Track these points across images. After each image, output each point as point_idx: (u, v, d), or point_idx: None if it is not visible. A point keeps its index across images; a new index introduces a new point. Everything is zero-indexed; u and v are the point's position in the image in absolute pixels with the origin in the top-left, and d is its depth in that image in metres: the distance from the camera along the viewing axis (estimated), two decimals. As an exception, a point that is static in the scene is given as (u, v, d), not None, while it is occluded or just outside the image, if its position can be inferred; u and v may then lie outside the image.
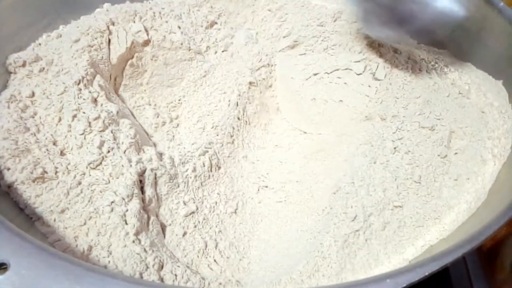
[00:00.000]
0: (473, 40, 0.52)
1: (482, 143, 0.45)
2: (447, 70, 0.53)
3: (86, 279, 0.25)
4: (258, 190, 0.45)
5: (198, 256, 0.40)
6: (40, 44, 0.51)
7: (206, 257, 0.40)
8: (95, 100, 0.44)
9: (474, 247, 0.30)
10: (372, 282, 0.27)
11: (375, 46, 0.58)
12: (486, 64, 0.50)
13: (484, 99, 0.47)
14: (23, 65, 0.47)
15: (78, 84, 0.44)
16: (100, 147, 0.40)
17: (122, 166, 0.40)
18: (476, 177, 0.42)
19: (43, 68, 0.48)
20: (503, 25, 0.48)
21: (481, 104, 0.47)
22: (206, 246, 0.41)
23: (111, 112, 0.44)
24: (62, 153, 0.41)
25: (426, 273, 0.28)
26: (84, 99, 0.43)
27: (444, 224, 0.40)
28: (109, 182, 0.39)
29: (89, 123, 0.41)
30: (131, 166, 0.40)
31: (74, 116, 0.42)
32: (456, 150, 0.46)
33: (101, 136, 0.41)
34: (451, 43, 0.55)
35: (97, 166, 0.39)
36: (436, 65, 0.54)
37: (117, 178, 0.39)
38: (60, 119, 0.42)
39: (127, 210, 0.37)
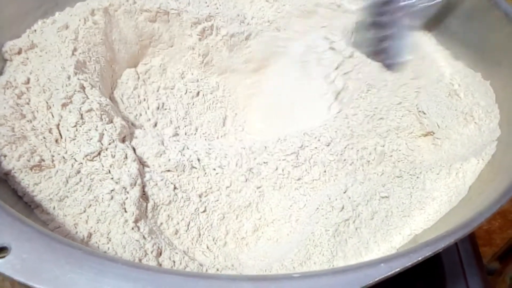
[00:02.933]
0: (470, 31, 0.53)
1: (466, 141, 0.46)
2: (440, 68, 0.54)
3: (86, 263, 0.25)
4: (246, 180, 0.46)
5: (192, 244, 0.41)
6: (35, 30, 0.50)
7: (200, 244, 0.41)
8: (83, 88, 0.44)
9: (466, 233, 0.31)
10: (366, 266, 0.28)
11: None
12: (482, 55, 0.51)
13: (471, 99, 0.48)
14: (19, 52, 0.47)
15: (65, 70, 0.44)
16: (100, 140, 0.40)
17: (126, 157, 0.40)
18: (457, 173, 0.43)
19: (38, 55, 0.48)
20: (500, 17, 0.49)
21: (468, 103, 0.48)
22: (199, 234, 0.41)
23: (103, 103, 0.44)
24: (57, 142, 0.41)
25: (419, 258, 0.28)
26: (72, 86, 0.43)
27: (428, 214, 0.41)
28: (109, 172, 0.39)
29: (81, 115, 0.41)
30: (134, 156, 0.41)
31: (63, 105, 0.41)
32: (440, 145, 0.47)
33: (96, 129, 0.41)
34: (446, 34, 0.56)
35: (94, 158, 0.40)
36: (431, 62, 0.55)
37: (120, 168, 0.39)
38: (49, 107, 0.42)
39: (126, 198, 0.38)
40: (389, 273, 0.27)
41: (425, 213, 0.41)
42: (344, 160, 0.46)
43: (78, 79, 0.44)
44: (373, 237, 0.40)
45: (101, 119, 0.42)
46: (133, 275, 0.26)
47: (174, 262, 0.36)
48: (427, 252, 0.29)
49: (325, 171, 0.45)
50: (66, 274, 0.25)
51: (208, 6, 0.60)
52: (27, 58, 0.47)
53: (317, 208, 0.41)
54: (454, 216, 0.40)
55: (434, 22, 0.57)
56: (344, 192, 0.42)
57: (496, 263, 0.85)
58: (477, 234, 0.84)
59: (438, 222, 0.40)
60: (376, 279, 0.27)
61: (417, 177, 0.43)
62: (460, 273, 0.50)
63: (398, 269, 0.28)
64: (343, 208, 0.40)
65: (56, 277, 0.25)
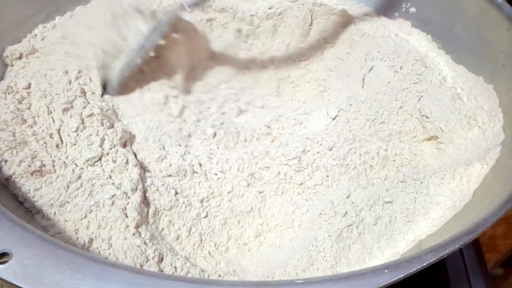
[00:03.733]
0: (472, 35, 0.53)
1: (470, 145, 0.46)
2: (442, 72, 0.54)
3: (88, 269, 0.25)
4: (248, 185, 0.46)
5: (194, 249, 0.40)
6: (36, 35, 0.51)
7: (202, 250, 0.41)
8: (84, 93, 0.44)
9: (471, 239, 0.31)
10: (371, 272, 0.27)
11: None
12: (485, 58, 0.51)
13: (475, 102, 0.48)
14: (20, 57, 0.47)
15: (66, 75, 0.44)
16: (101, 145, 0.40)
17: (127, 162, 0.40)
18: (461, 178, 0.43)
19: (39, 60, 0.48)
20: (502, 20, 0.49)
21: (472, 107, 0.48)
22: (201, 240, 0.41)
23: (104, 108, 0.44)
24: (58, 147, 0.41)
25: (424, 264, 0.28)
26: (73, 91, 0.43)
27: (433, 220, 0.41)
28: (110, 177, 0.39)
29: (82, 120, 0.41)
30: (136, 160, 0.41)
31: (64, 110, 0.41)
32: (444, 149, 0.47)
33: (97, 134, 0.41)
34: (449, 38, 0.56)
35: (95, 163, 0.39)
36: (433, 66, 0.54)
37: (121, 173, 0.39)
38: (50, 112, 0.42)
39: (127, 204, 0.37)
40: (394, 279, 0.27)
41: (429, 218, 0.41)
42: (347, 164, 0.46)
43: (79, 83, 0.44)
44: (377, 242, 0.39)
45: (102, 124, 0.42)
46: (135, 281, 0.25)
47: (175, 268, 0.36)
48: (432, 258, 0.29)
49: (327, 176, 0.45)
50: (67, 280, 0.25)
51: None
52: (28, 63, 0.47)
53: (320, 213, 0.41)
54: (458, 221, 0.39)
55: (436, 26, 0.57)
56: (347, 197, 0.42)
57: (499, 269, 0.84)
58: (481, 240, 0.83)
59: (442, 228, 0.40)
60: (380, 285, 0.27)
61: (421, 182, 0.43)
62: (465, 280, 0.49)
63: (403, 275, 0.28)
64: (346, 213, 0.40)
65: (57, 282, 0.24)
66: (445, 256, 0.29)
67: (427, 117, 0.48)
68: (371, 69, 0.56)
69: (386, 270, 0.28)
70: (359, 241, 0.39)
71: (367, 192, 0.42)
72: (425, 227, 0.40)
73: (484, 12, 0.51)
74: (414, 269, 0.28)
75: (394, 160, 0.48)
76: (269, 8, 0.61)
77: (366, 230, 0.40)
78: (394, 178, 0.44)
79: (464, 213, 0.40)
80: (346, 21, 0.63)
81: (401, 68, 0.54)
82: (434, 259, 0.29)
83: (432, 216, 0.41)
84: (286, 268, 0.37)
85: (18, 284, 0.24)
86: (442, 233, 0.39)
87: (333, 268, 0.38)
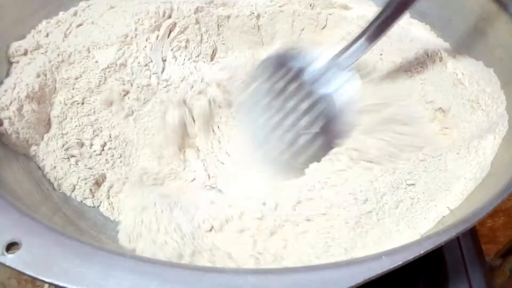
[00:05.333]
0: (471, 28, 0.53)
1: (475, 128, 0.46)
2: (442, 60, 0.54)
3: (95, 258, 0.26)
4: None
5: None
6: (40, 31, 0.51)
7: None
8: None
9: (467, 227, 0.31)
10: (370, 260, 0.28)
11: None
12: (482, 52, 0.51)
13: (476, 86, 0.49)
14: (25, 53, 0.48)
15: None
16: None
17: None
18: (476, 151, 0.43)
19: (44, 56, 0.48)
20: (500, 14, 0.49)
21: (474, 91, 0.48)
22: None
23: None
24: None
25: (422, 252, 0.28)
26: None
27: (454, 195, 0.40)
28: None
29: None
30: None
31: None
32: (450, 135, 0.47)
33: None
34: (448, 30, 0.56)
35: None
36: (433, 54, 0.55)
37: None
38: None
39: None
40: (392, 266, 0.27)
41: (450, 193, 0.40)
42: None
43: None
44: (396, 226, 0.39)
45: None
46: (140, 268, 0.26)
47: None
48: (429, 246, 0.29)
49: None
50: (76, 268, 0.25)
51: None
52: (34, 59, 0.47)
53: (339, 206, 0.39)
54: (480, 193, 0.39)
55: (435, 18, 0.57)
56: (371, 183, 0.41)
57: (499, 260, 0.85)
58: (481, 231, 0.83)
59: (465, 201, 0.39)
60: (379, 272, 0.27)
61: (439, 159, 0.43)
62: (462, 271, 0.50)
63: (401, 262, 0.28)
64: (366, 200, 0.39)
65: (66, 270, 0.25)
66: (443, 243, 0.30)
67: (432, 103, 0.49)
68: (381, 55, 0.56)
69: (384, 257, 0.28)
70: (377, 227, 0.38)
71: (392, 177, 0.41)
72: (448, 202, 0.40)
73: (482, 5, 0.51)
74: (412, 256, 0.28)
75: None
76: (270, 1, 0.62)
77: (386, 215, 0.39)
78: (415, 158, 0.43)
79: (485, 184, 0.39)
80: (347, 13, 0.64)
81: (407, 55, 0.55)
82: (432, 246, 0.29)
83: (454, 191, 0.40)
84: (300, 257, 0.36)
85: (28, 272, 0.25)
86: (465, 205, 0.39)
87: (348, 253, 0.37)
